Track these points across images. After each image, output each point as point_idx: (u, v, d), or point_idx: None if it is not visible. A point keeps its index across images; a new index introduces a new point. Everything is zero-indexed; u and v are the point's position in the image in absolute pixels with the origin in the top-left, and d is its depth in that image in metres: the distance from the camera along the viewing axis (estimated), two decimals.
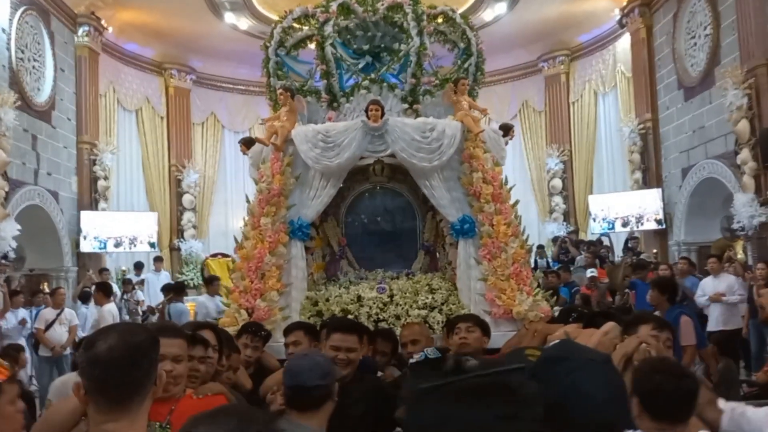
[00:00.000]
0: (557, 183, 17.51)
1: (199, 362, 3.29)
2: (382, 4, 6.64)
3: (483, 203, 6.03)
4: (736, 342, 9.60)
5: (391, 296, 5.98)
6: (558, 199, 17.53)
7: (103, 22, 14.66)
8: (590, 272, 12.13)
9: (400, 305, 5.93)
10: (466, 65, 6.81)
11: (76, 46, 14.37)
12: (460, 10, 14.92)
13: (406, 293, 5.98)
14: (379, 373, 4.60)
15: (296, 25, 6.79)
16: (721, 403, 2.95)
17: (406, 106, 6.55)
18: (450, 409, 1.30)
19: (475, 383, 1.36)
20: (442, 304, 5.94)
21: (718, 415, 2.84)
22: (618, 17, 15.34)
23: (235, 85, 18.30)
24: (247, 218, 6.21)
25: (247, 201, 6.35)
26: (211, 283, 11.50)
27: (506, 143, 6.78)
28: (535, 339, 4.64)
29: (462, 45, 6.94)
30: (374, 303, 5.92)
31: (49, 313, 9.94)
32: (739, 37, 11.47)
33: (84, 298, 11.46)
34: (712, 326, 9.42)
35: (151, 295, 13.76)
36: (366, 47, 6.96)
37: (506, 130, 6.78)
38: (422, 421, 1.33)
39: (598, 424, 1.67)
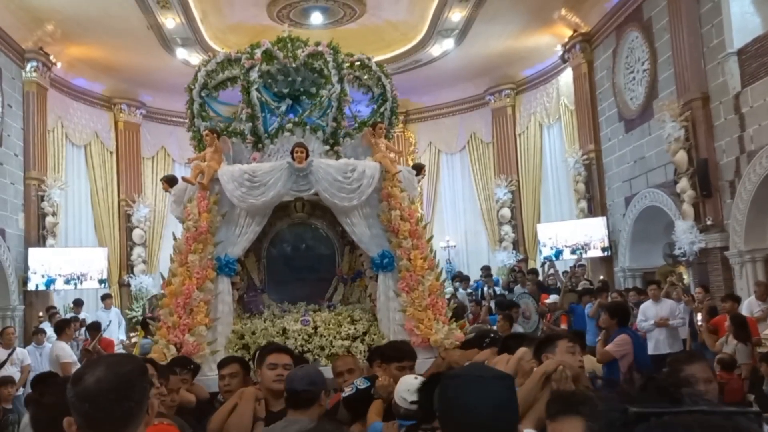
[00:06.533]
0: (506, 212, 17.94)
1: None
2: (303, 51, 7.09)
3: (401, 239, 6.47)
4: None
5: (315, 328, 6.35)
6: (507, 228, 17.94)
7: (51, 57, 14.78)
8: (553, 298, 12.47)
9: (324, 336, 6.30)
10: (381, 110, 7.29)
11: (24, 81, 14.43)
12: (410, 46, 15.85)
13: (329, 325, 6.36)
14: None
15: (219, 69, 7.17)
16: None
17: (327, 147, 7.01)
18: None
19: (702, 420, 1.20)
20: (364, 334, 6.34)
21: None
22: (560, 53, 15.94)
23: (186, 119, 18.32)
24: (174, 255, 6.54)
25: (174, 239, 6.70)
26: (148, 325, 10.82)
27: (419, 182, 7.23)
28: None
29: (377, 91, 7.42)
30: (299, 335, 6.30)
31: None
32: (675, 72, 12.01)
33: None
34: (654, 350, 9.63)
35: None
36: (286, 91, 7.39)
37: (418, 169, 7.26)
38: None
39: (476, 429, 1.97)
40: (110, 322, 13.68)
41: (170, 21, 14.31)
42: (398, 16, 15.13)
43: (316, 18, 14.79)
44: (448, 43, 15.95)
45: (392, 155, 6.84)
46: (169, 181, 7.06)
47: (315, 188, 6.52)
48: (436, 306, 6.23)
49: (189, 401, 4.79)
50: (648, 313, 10.33)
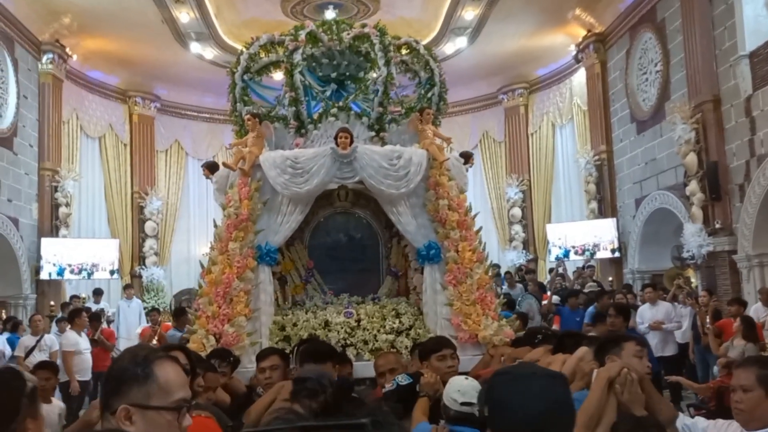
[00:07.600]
0: (517, 212, 17.54)
1: None
2: (348, 34, 6.67)
3: (448, 230, 6.05)
4: (681, 367, 9.82)
5: (359, 321, 5.94)
6: (517, 228, 17.55)
7: (67, 49, 14.49)
8: (555, 299, 12.22)
9: (368, 330, 5.89)
10: (429, 95, 6.88)
11: (40, 73, 14.15)
12: (423, 43, 15.42)
13: (373, 318, 5.95)
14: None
15: (262, 52, 6.78)
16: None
17: (372, 133, 6.58)
18: None
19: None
20: (409, 328, 5.93)
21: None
22: (574, 53, 15.59)
23: (200, 113, 18.09)
24: (214, 243, 6.12)
25: (215, 226, 6.27)
26: (182, 315, 10.41)
27: (466, 170, 6.83)
28: (504, 364, 4.59)
29: (425, 75, 7.01)
30: (342, 328, 5.88)
31: (28, 340, 9.53)
32: (688, 74, 11.71)
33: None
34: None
35: (120, 322, 13.57)
36: (333, 75, 6.97)
37: (466, 157, 6.85)
38: None
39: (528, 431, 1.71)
40: (110, 312, 13.76)
41: (184, 15, 13.98)
42: (412, 14, 14.73)
43: (330, 14, 14.40)
44: (461, 42, 15.54)
45: (440, 142, 6.42)
46: (210, 168, 6.64)
47: (360, 175, 6.10)
48: (485, 300, 5.82)
49: (224, 401, 4.37)
50: (644, 315, 10.09)
